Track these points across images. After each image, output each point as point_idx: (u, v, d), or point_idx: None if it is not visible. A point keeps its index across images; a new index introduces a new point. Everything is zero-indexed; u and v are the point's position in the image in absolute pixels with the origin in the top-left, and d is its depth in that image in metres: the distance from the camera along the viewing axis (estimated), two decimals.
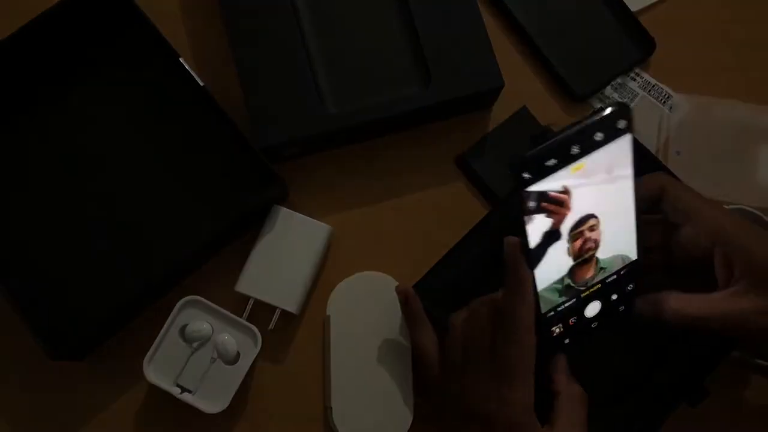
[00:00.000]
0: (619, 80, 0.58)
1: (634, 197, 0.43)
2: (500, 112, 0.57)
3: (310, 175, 0.56)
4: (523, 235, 0.41)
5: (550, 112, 0.58)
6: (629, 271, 0.45)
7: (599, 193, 0.41)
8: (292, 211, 0.53)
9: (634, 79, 0.58)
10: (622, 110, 0.39)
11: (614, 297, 0.46)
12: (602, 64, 0.58)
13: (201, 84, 0.53)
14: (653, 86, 0.58)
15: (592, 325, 0.47)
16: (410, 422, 0.50)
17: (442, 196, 0.56)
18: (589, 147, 0.39)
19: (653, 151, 0.56)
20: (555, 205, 0.40)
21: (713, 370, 0.49)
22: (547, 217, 0.40)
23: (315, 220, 0.53)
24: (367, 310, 0.52)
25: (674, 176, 0.47)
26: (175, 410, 0.50)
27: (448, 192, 0.56)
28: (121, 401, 0.52)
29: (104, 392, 0.52)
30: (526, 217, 0.40)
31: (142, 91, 0.55)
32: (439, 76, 0.53)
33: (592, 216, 0.41)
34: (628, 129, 0.40)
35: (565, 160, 0.39)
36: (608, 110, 0.39)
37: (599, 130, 0.39)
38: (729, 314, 0.43)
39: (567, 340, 0.46)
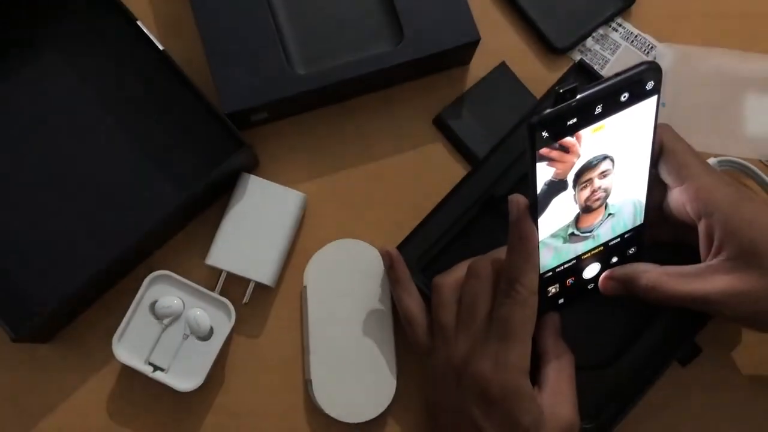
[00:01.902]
0: (600, 31, 0.56)
1: (650, 157, 0.41)
2: (478, 68, 0.55)
3: (280, 142, 0.53)
4: (530, 193, 0.39)
5: (530, 66, 0.55)
6: (633, 234, 0.44)
7: (612, 145, 0.39)
8: (262, 178, 0.51)
9: (616, 30, 0.56)
10: (652, 70, 0.37)
11: (614, 260, 0.45)
12: (582, 15, 0.56)
13: (161, 48, 0.50)
14: (636, 36, 0.56)
15: (589, 287, 0.45)
16: (394, 391, 0.48)
17: (419, 159, 0.54)
18: (613, 107, 0.37)
19: None
20: (561, 152, 0.37)
21: (704, 327, 0.48)
22: (550, 165, 0.38)
23: (287, 188, 0.51)
24: (345, 278, 0.50)
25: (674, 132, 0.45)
26: (148, 390, 0.49)
27: (426, 154, 0.54)
28: (91, 383, 0.50)
29: (73, 374, 0.50)
30: (534, 171, 0.37)
31: (99, 57, 0.53)
32: (412, 32, 0.51)
33: (605, 158, 0.39)
34: (656, 90, 0.38)
35: (587, 119, 0.37)
36: (638, 68, 0.37)
37: (626, 90, 0.37)
38: (704, 295, 0.41)
39: (561, 300, 0.45)
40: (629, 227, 0.44)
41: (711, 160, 0.53)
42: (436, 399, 0.45)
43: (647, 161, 0.41)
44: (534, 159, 0.37)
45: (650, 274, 0.43)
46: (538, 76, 0.55)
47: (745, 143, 0.55)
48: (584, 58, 0.55)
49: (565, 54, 0.56)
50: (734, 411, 0.50)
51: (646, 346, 0.48)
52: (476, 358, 0.41)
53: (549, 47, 0.55)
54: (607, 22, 0.56)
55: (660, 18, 0.56)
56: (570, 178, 0.39)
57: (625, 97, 0.37)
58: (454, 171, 0.53)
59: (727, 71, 0.55)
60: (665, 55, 0.55)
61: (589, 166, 0.39)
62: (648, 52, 0.56)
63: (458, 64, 0.55)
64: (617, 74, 0.37)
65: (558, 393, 0.42)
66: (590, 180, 0.40)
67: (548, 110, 0.36)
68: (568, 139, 0.37)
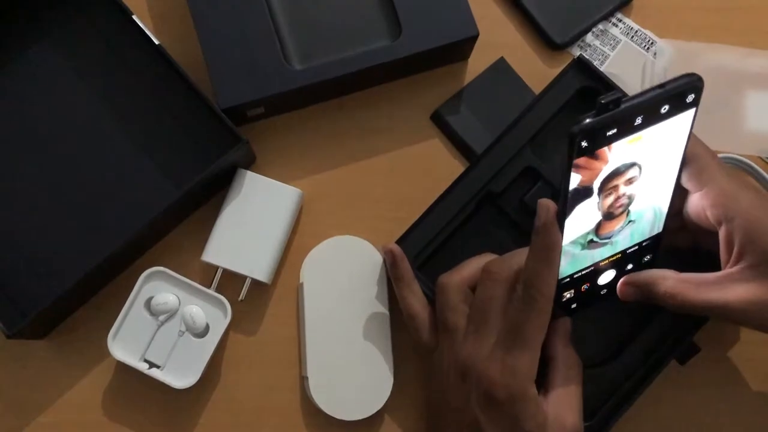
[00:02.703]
0: (600, 27, 0.55)
1: (679, 167, 0.40)
2: (476, 64, 0.54)
3: (277, 137, 0.53)
4: (560, 201, 0.38)
5: (529, 62, 0.55)
6: (651, 243, 0.44)
7: (643, 154, 0.38)
8: (258, 174, 0.50)
9: (616, 25, 0.56)
10: (694, 83, 0.36)
11: (629, 267, 0.44)
12: (582, 10, 0.55)
13: (156, 42, 0.50)
14: (636, 32, 0.56)
15: (602, 292, 0.45)
16: (390, 389, 0.48)
17: (417, 154, 0.53)
18: (652, 118, 0.36)
19: None
20: (591, 159, 0.37)
21: (703, 326, 0.47)
22: (576, 172, 0.37)
23: (283, 184, 0.50)
24: (341, 275, 0.50)
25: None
26: (143, 387, 0.49)
27: (423, 150, 0.54)
28: (86, 380, 0.49)
29: (69, 371, 0.50)
30: (567, 180, 0.37)
31: (94, 52, 0.52)
32: (410, 27, 0.50)
33: (633, 165, 0.39)
34: (695, 103, 0.37)
35: (626, 130, 0.36)
36: (681, 81, 0.36)
37: (667, 102, 0.36)
38: (724, 304, 0.40)
39: (574, 305, 0.45)
40: (647, 236, 0.43)
41: None
42: (438, 398, 0.45)
43: (675, 171, 0.41)
44: (569, 167, 0.36)
45: (669, 281, 0.42)
46: (537, 71, 0.54)
47: (745, 140, 0.54)
48: (584, 54, 0.54)
49: (564, 49, 0.55)
50: (732, 410, 0.50)
51: (644, 345, 0.48)
52: (484, 360, 0.41)
53: (548, 43, 0.55)
54: (606, 17, 0.55)
55: (660, 13, 0.56)
56: (596, 185, 0.38)
57: (665, 109, 0.36)
58: (452, 167, 0.53)
59: (727, 67, 0.55)
60: (665, 50, 0.55)
61: (616, 173, 0.38)
62: (648, 48, 0.55)
63: (456, 59, 0.54)
64: (660, 86, 0.36)
65: (563, 400, 0.42)
66: (616, 187, 0.39)
67: (590, 120, 0.35)
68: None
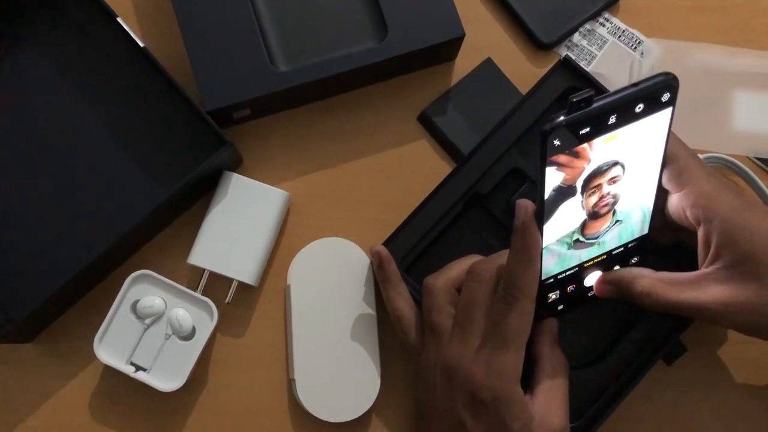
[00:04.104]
0: (587, 26, 0.55)
1: (660, 170, 0.40)
2: (463, 64, 0.54)
3: (263, 140, 0.53)
4: (537, 199, 0.38)
5: (516, 62, 0.55)
6: (637, 244, 0.44)
7: (623, 153, 0.38)
8: (245, 177, 0.50)
9: (603, 25, 0.56)
10: (669, 81, 0.36)
11: (616, 269, 0.44)
12: (569, 10, 0.55)
13: (141, 45, 0.49)
14: (623, 31, 0.55)
15: (589, 294, 0.45)
16: (378, 390, 0.48)
17: (404, 156, 0.53)
18: (627, 118, 0.36)
19: None
20: (572, 157, 0.37)
21: (689, 326, 0.47)
22: (559, 170, 0.37)
23: (270, 186, 0.50)
24: (329, 278, 0.50)
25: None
26: (130, 390, 0.49)
27: (410, 151, 0.53)
28: (73, 383, 0.49)
29: (55, 374, 0.49)
30: (543, 178, 0.37)
31: (79, 54, 0.52)
32: (396, 28, 0.50)
33: (615, 164, 0.38)
34: (671, 102, 0.37)
35: (600, 129, 0.36)
36: (655, 80, 0.36)
37: (642, 101, 0.36)
38: (698, 304, 0.41)
39: (561, 307, 0.44)
40: (635, 236, 0.43)
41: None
42: (425, 400, 0.45)
43: (657, 171, 0.41)
44: (544, 165, 0.36)
45: (645, 280, 0.42)
46: (525, 72, 0.54)
47: (732, 139, 0.54)
48: (571, 54, 0.54)
49: (551, 50, 0.55)
50: (719, 409, 0.50)
51: (631, 345, 0.48)
52: (469, 361, 0.41)
53: (535, 43, 0.55)
54: (594, 17, 0.55)
55: (647, 13, 0.56)
56: (579, 184, 0.38)
57: (640, 108, 0.36)
58: (439, 168, 0.53)
59: (715, 67, 0.55)
60: (652, 50, 0.55)
61: (598, 172, 0.38)
62: (635, 48, 0.55)
63: (443, 60, 0.54)
64: (634, 84, 0.36)
65: (550, 401, 0.42)
66: (599, 186, 0.39)
67: (561, 118, 0.35)
68: (580, 146, 0.36)
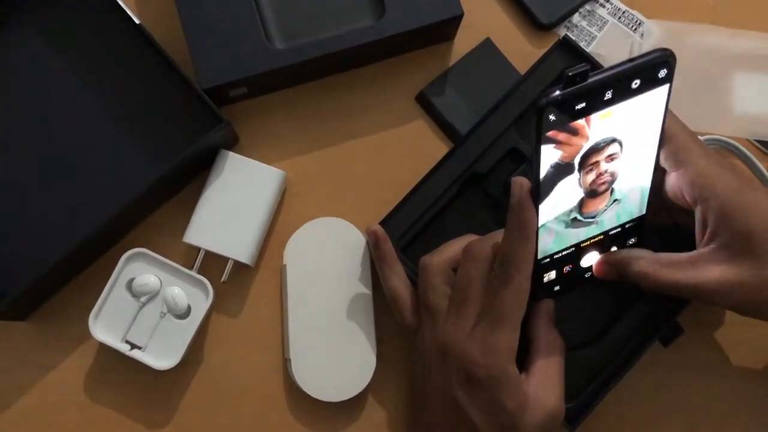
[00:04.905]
0: (587, 7, 0.55)
1: (659, 145, 0.40)
2: (462, 44, 0.54)
3: (260, 118, 0.53)
4: (533, 176, 0.38)
5: (515, 42, 0.54)
6: (635, 224, 0.43)
7: (621, 130, 0.38)
8: (241, 155, 0.50)
9: (603, 6, 0.55)
10: (665, 58, 0.36)
11: (613, 250, 0.44)
12: None
13: (137, 22, 0.49)
14: (623, 12, 0.55)
15: (586, 275, 0.45)
16: (373, 370, 0.48)
17: (401, 136, 0.53)
18: (623, 93, 0.36)
19: None
20: (569, 134, 0.36)
21: (686, 307, 0.47)
22: (557, 148, 0.37)
23: (266, 165, 0.50)
24: (325, 257, 0.49)
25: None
26: (125, 368, 0.48)
27: (408, 131, 0.53)
28: (68, 361, 0.49)
29: (50, 352, 0.49)
30: (538, 154, 0.36)
31: (74, 31, 0.51)
32: (394, 6, 0.50)
33: (613, 141, 0.38)
34: (668, 78, 0.37)
35: (596, 104, 0.36)
36: (651, 56, 0.36)
37: (638, 77, 0.36)
38: (695, 285, 0.40)
39: (557, 288, 0.44)
40: (633, 216, 0.43)
41: None
42: (420, 379, 0.45)
43: (655, 150, 0.40)
44: (539, 142, 0.36)
45: (642, 261, 0.42)
46: (524, 52, 0.54)
47: (733, 122, 0.54)
48: (570, 34, 0.54)
49: (551, 30, 0.55)
50: (716, 391, 0.50)
51: (627, 327, 0.48)
52: (464, 340, 0.41)
53: (535, 23, 0.54)
54: None
55: None
56: (576, 161, 0.38)
57: (636, 84, 0.36)
58: (437, 148, 0.53)
59: (715, 48, 0.55)
60: (653, 31, 0.54)
61: (596, 149, 0.38)
62: (636, 29, 0.55)
63: (442, 39, 0.54)
64: (630, 60, 0.36)
65: (545, 381, 0.42)
66: (597, 163, 0.39)
67: (557, 93, 0.35)
68: (578, 122, 0.36)
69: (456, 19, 0.51)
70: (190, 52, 0.49)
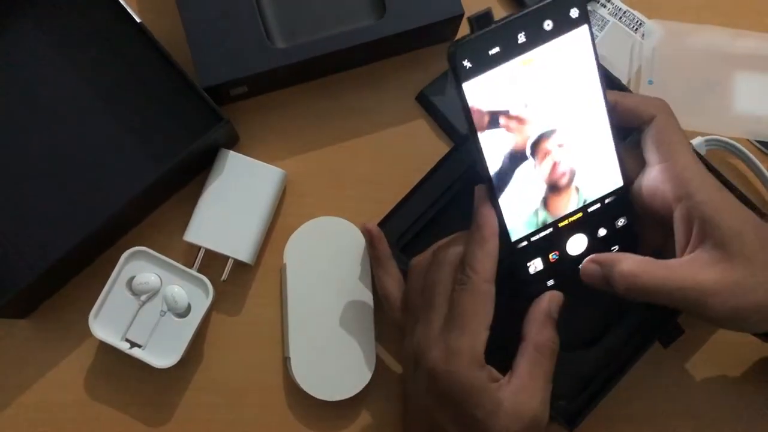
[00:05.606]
0: (588, 7, 0.55)
1: (607, 111, 0.39)
2: None
3: (261, 117, 0.53)
4: (479, 161, 0.37)
5: None
6: (616, 199, 0.42)
7: (563, 101, 0.38)
8: (241, 154, 0.50)
9: (604, 6, 0.55)
10: None
11: (603, 233, 0.42)
12: None
13: (138, 21, 0.49)
14: (624, 12, 0.55)
15: (580, 266, 0.42)
16: (373, 369, 0.48)
17: (402, 135, 0.53)
18: (537, 37, 0.36)
19: (625, 80, 0.53)
20: (510, 117, 0.37)
21: None
22: (507, 131, 0.37)
23: (266, 164, 0.50)
24: (325, 256, 0.49)
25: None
26: (125, 366, 0.49)
27: (408, 131, 0.53)
28: (68, 359, 0.49)
29: (51, 350, 0.49)
30: (480, 134, 0.36)
31: (76, 30, 0.52)
32: (395, 5, 0.50)
33: (556, 129, 0.38)
34: (583, 19, 0.36)
35: (511, 50, 0.35)
36: None
37: (548, 18, 0.35)
38: (695, 284, 0.37)
39: (551, 281, 0.43)
40: (610, 189, 0.41)
41: (699, 139, 0.52)
42: (405, 384, 0.44)
43: (604, 109, 0.39)
44: (463, 98, 0.36)
45: (631, 260, 0.39)
46: None
47: (733, 122, 0.54)
48: None
49: None
50: (715, 392, 0.50)
51: (628, 327, 0.48)
52: (429, 346, 0.39)
53: None
54: None
55: None
56: (528, 148, 0.38)
57: (549, 24, 0.36)
58: (437, 148, 0.53)
59: (716, 48, 0.54)
60: (654, 31, 0.54)
61: (545, 136, 0.38)
62: (636, 29, 0.55)
63: (442, 39, 0.54)
64: (539, 1, 0.36)
65: (526, 386, 0.39)
66: (548, 152, 0.39)
67: (466, 38, 0.35)
68: (500, 68, 0.36)
69: (456, 19, 0.51)
70: (191, 50, 0.49)
